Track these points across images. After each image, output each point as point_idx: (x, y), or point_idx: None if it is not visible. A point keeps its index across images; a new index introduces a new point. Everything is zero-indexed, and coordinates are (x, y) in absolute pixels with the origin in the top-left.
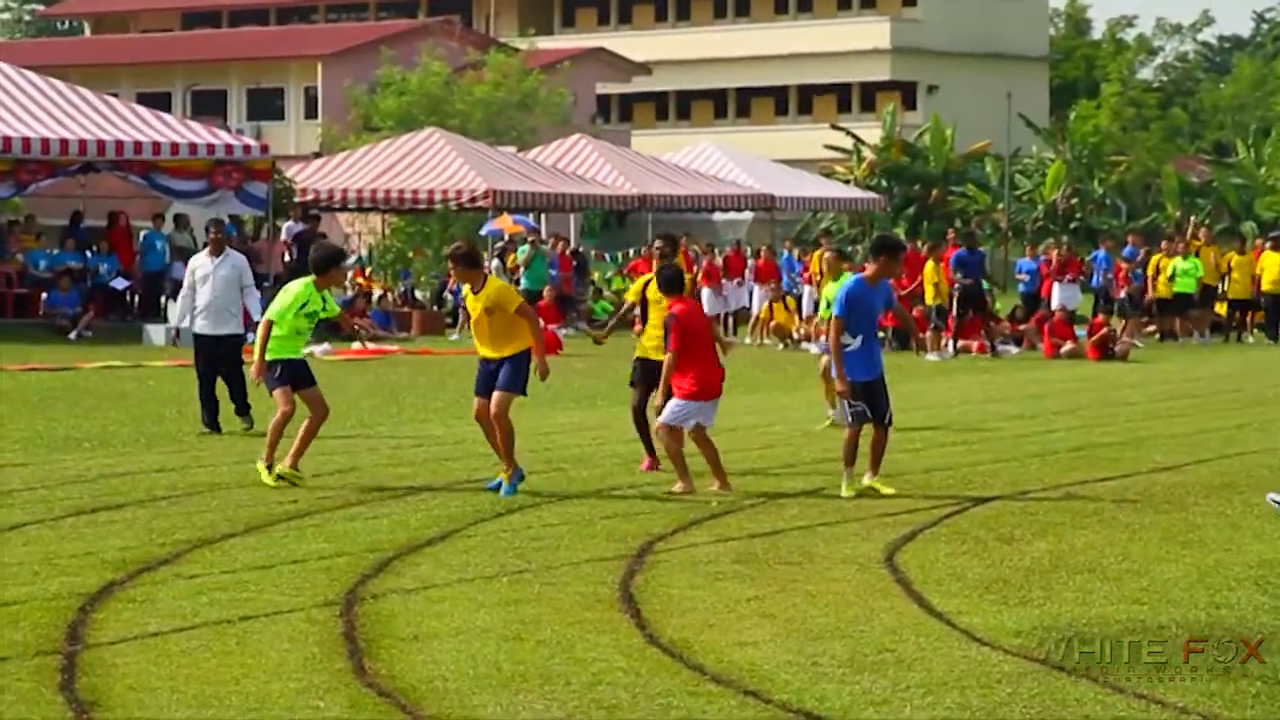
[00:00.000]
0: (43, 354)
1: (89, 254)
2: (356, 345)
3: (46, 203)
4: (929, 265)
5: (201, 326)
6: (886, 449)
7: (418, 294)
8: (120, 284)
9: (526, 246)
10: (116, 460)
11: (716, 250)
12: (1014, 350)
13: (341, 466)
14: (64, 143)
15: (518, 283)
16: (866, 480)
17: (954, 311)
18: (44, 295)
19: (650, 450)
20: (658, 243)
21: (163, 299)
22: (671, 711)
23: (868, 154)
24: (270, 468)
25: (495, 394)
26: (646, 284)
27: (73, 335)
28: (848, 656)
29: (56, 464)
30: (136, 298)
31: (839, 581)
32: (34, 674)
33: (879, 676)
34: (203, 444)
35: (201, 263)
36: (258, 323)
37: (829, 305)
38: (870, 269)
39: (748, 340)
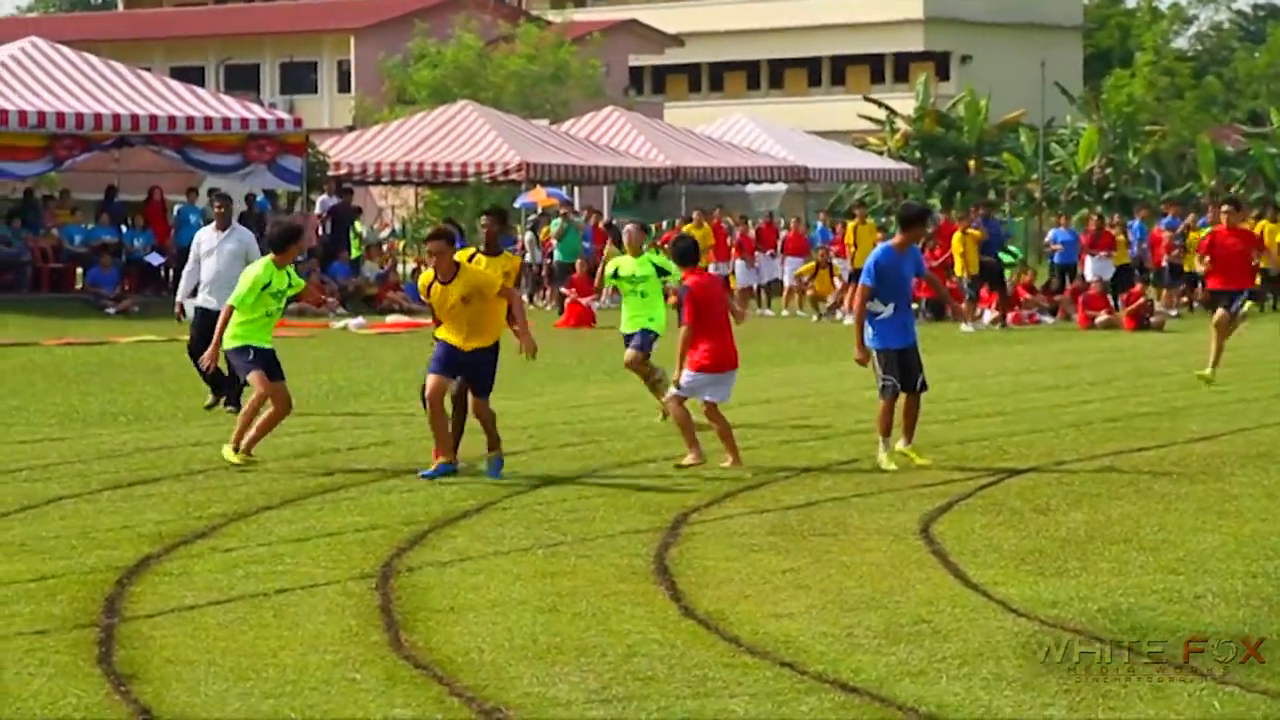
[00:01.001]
0: (78, 329)
1: (124, 229)
2: (391, 319)
3: (81, 177)
4: (955, 236)
5: (205, 301)
6: (919, 417)
7: None
8: (155, 259)
9: (559, 219)
10: (152, 434)
11: (749, 222)
12: (1049, 321)
13: (376, 440)
14: (98, 117)
15: (551, 255)
16: (900, 446)
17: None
18: (79, 270)
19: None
20: (483, 219)
21: None
22: (707, 683)
23: (901, 125)
24: (239, 449)
25: (474, 400)
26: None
27: (112, 311)
28: (883, 628)
29: (93, 438)
30: (171, 272)
31: (874, 553)
32: (72, 647)
33: (915, 647)
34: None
35: (206, 237)
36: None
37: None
38: (898, 237)
39: (784, 312)
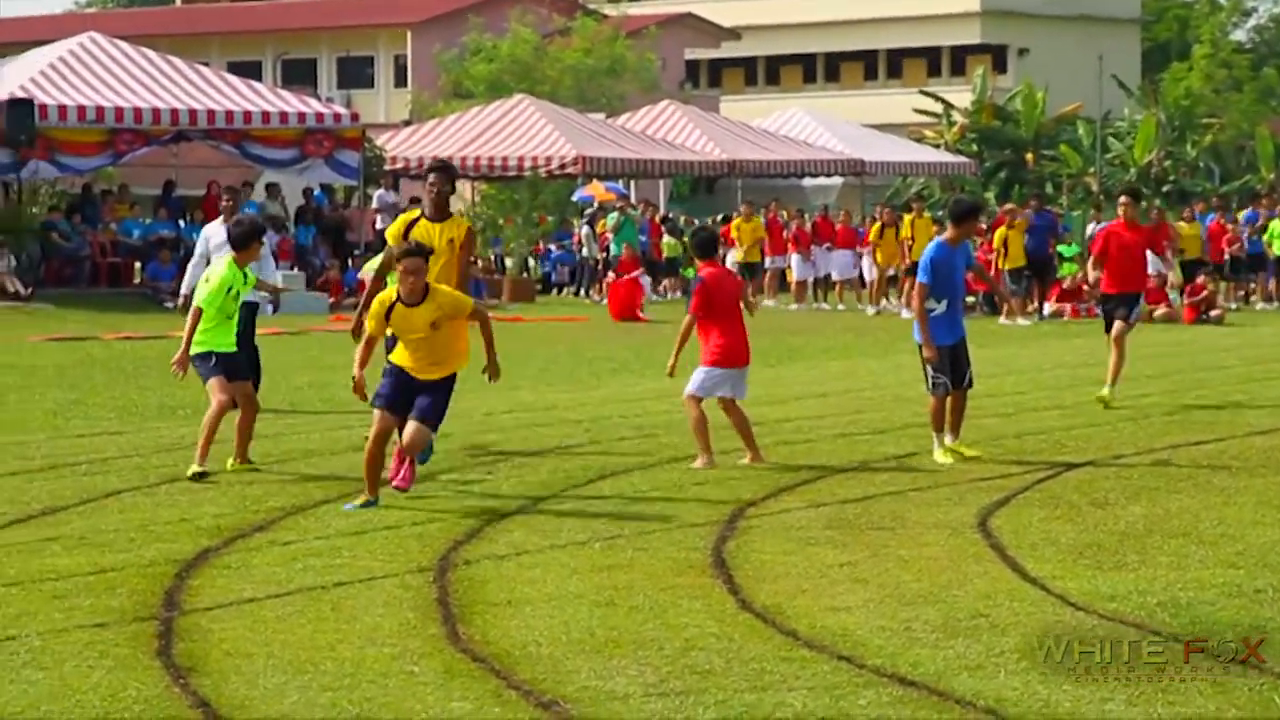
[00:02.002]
0: (136, 323)
1: (182, 223)
2: None
3: (139, 172)
4: (1000, 229)
5: None
6: (967, 411)
7: (508, 261)
8: None
9: (615, 213)
10: None
11: (805, 216)
12: None
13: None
14: (156, 112)
15: (607, 249)
16: (948, 442)
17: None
18: (137, 265)
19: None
20: (430, 177)
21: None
22: (764, 677)
23: (958, 118)
24: (203, 463)
25: (415, 425)
26: None
27: (170, 305)
28: (941, 621)
29: (151, 432)
30: None
31: (931, 546)
32: (131, 640)
33: (973, 641)
34: (295, 411)
35: (215, 231)
36: (277, 289)
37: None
38: (950, 232)
39: (840, 306)
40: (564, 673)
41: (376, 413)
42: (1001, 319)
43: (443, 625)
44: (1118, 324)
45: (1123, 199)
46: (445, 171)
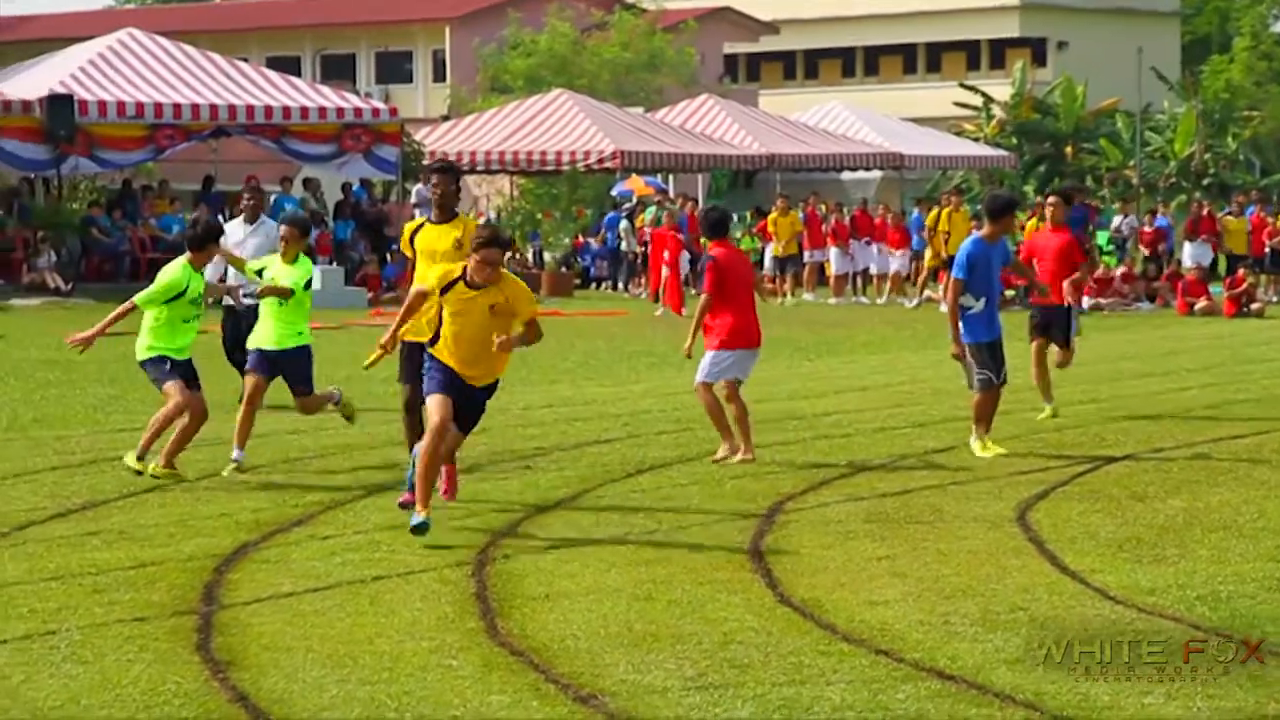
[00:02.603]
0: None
1: (221, 218)
2: None
3: (179, 167)
4: (1030, 222)
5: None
6: (997, 409)
7: (546, 256)
8: None
9: (654, 207)
10: None
11: (844, 209)
12: (1147, 307)
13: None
14: (195, 108)
15: (645, 244)
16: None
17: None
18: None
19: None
20: (434, 178)
21: None
22: (803, 670)
23: (997, 111)
24: (142, 457)
25: (456, 434)
26: None
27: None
28: (980, 615)
29: None
30: None
31: (971, 540)
32: (171, 634)
33: (1012, 635)
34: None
35: (234, 230)
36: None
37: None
38: (987, 228)
39: (879, 300)
40: (602, 666)
41: (433, 401)
42: None
43: (481, 619)
44: (1058, 352)
45: (1051, 200)
46: (448, 172)
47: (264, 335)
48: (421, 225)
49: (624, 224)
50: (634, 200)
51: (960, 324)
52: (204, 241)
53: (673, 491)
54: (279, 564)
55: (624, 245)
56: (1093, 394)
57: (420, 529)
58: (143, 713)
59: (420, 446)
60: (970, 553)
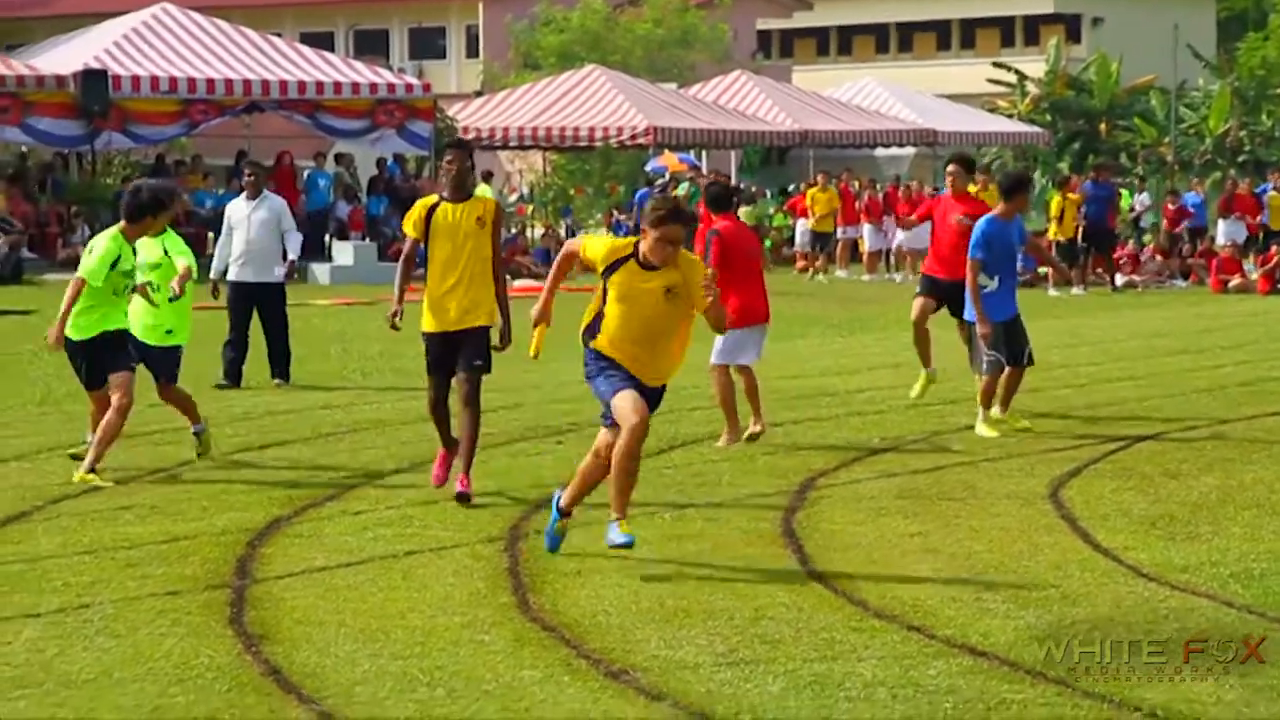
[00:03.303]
0: (207, 293)
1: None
2: (519, 283)
3: (212, 143)
4: (1053, 199)
5: (240, 274)
6: (1025, 385)
7: (578, 231)
8: None
9: (687, 183)
10: (282, 398)
11: (878, 186)
12: (1181, 284)
13: (505, 404)
14: (229, 83)
15: None
16: (995, 413)
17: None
18: (210, 235)
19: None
20: (448, 154)
21: (326, 238)
22: (835, 646)
23: (1031, 88)
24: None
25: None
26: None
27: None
28: (1012, 592)
29: (224, 402)
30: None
31: (1003, 517)
32: (204, 608)
33: (1044, 612)
34: (367, 380)
35: (236, 207)
36: (291, 260)
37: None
38: (1001, 207)
39: (912, 276)
40: (633, 642)
41: (624, 400)
42: (1051, 289)
43: (513, 594)
44: (958, 325)
45: (950, 168)
46: (462, 147)
47: (134, 323)
48: (437, 204)
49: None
50: (667, 176)
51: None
52: (138, 212)
53: (705, 468)
54: (311, 538)
55: None
56: (1127, 371)
57: (627, 544)
58: (175, 686)
59: (616, 449)
60: (1002, 529)
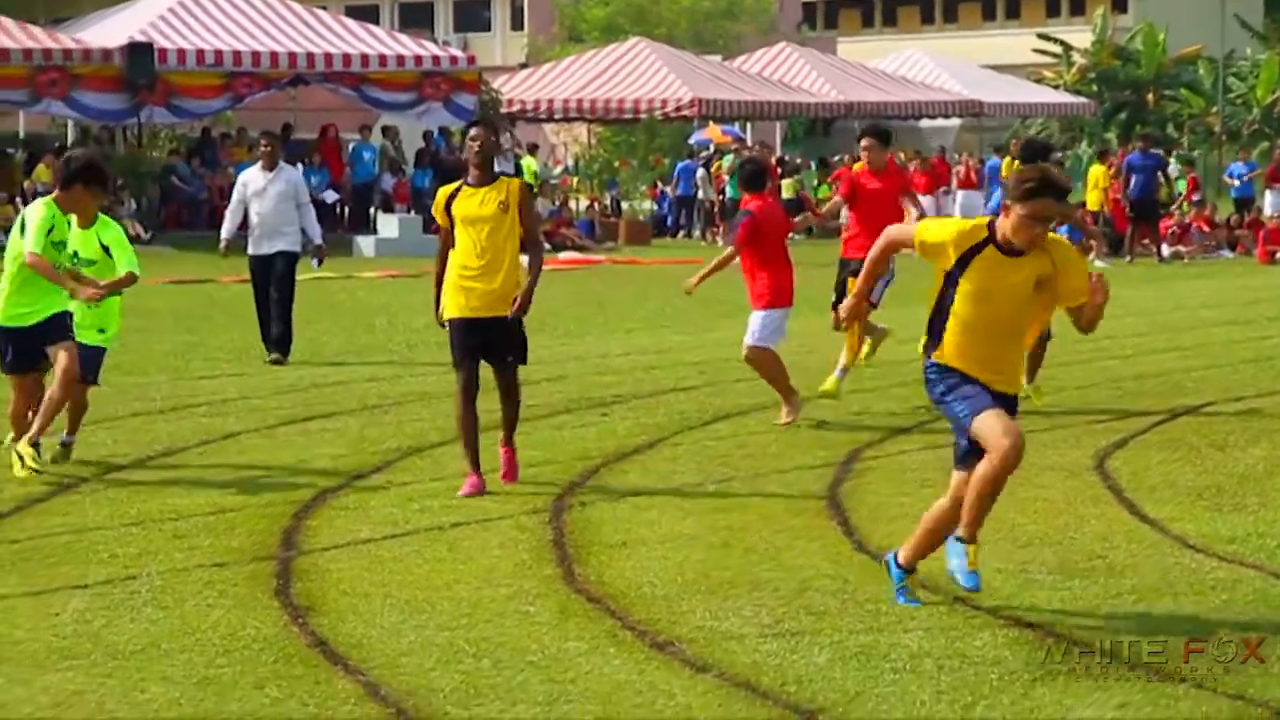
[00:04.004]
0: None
1: (299, 166)
2: (564, 255)
3: (257, 116)
4: (1094, 170)
5: (257, 247)
6: (1044, 360)
7: (623, 204)
8: (330, 196)
9: (731, 155)
10: (327, 370)
11: (923, 157)
12: (1228, 255)
13: (550, 375)
14: (274, 56)
15: (723, 191)
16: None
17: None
18: None
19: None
20: (472, 131)
21: (371, 210)
22: (880, 618)
23: (1077, 58)
24: (36, 445)
25: None
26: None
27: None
28: (1058, 563)
29: (269, 374)
30: (346, 210)
31: (1049, 489)
32: (250, 579)
33: (1090, 583)
34: (413, 353)
35: (253, 177)
36: (319, 245)
37: None
38: None
39: None
40: (679, 613)
41: (987, 421)
42: (1097, 261)
43: (558, 566)
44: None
45: (864, 141)
46: (488, 125)
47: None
48: (458, 189)
49: (700, 172)
50: (711, 149)
51: None
52: (71, 179)
53: (749, 439)
54: (357, 510)
55: (700, 194)
56: (1174, 342)
57: (972, 588)
58: (222, 657)
59: (980, 472)
60: (1048, 501)
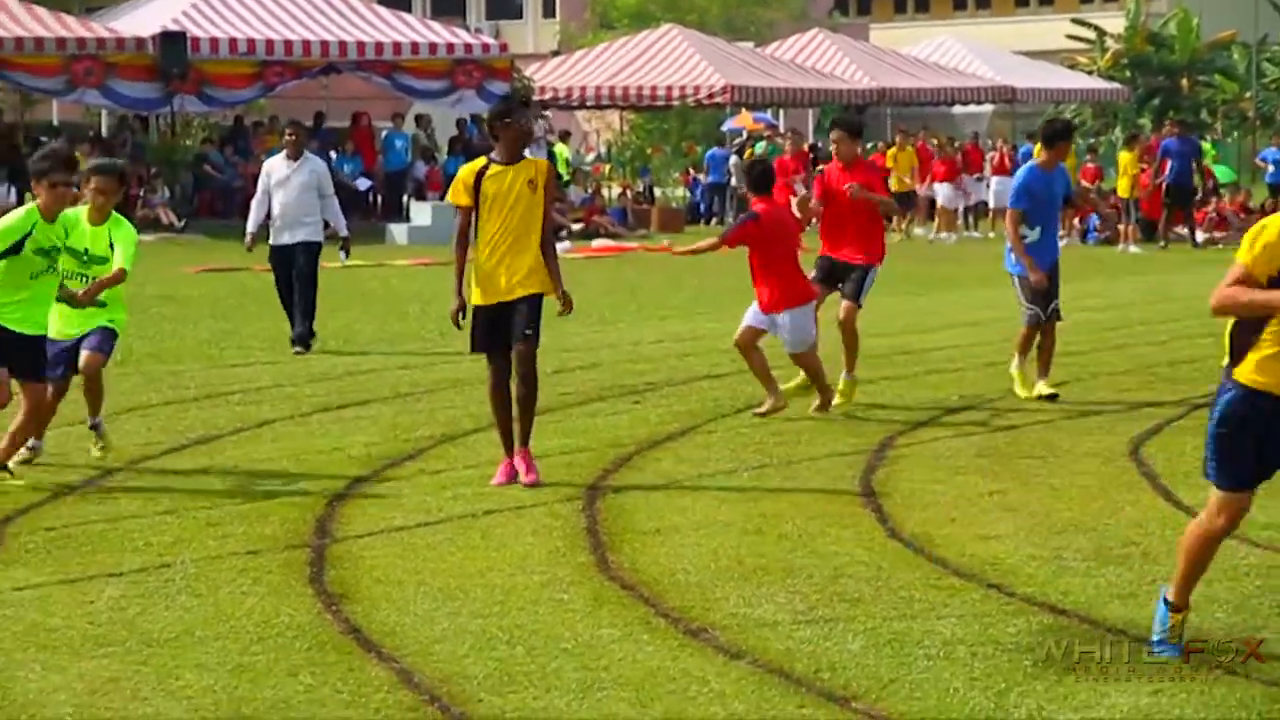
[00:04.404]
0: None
1: (332, 155)
2: (597, 243)
3: (289, 104)
4: (1123, 155)
5: (278, 238)
6: (1055, 350)
7: (656, 191)
8: (363, 184)
9: (764, 142)
10: (360, 358)
11: (955, 144)
12: None
13: (583, 363)
14: (306, 44)
15: None
16: (1041, 389)
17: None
18: None
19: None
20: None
21: (404, 198)
22: (914, 604)
23: (1111, 44)
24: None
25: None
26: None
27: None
28: (1092, 550)
29: (302, 362)
30: (379, 198)
31: (1083, 475)
32: (284, 567)
33: (1124, 570)
34: (445, 341)
35: (276, 167)
36: (345, 238)
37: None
38: (1043, 156)
39: (991, 234)
40: (712, 600)
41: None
42: (1131, 247)
43: (592, 553)
44: (845, 304)
45: (834, 133)
46: (526, 106)
47: (60, 323)
48: (486, 167)
49: (733, 159)
50: (744, 136)
51: (1011, 254)
52: (38, 177)
53: (782, 426)
54: (390, 498)
55: (733, 181)
56: (1208, 327)
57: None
58: (256, 644)
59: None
60: (1082, 487)
